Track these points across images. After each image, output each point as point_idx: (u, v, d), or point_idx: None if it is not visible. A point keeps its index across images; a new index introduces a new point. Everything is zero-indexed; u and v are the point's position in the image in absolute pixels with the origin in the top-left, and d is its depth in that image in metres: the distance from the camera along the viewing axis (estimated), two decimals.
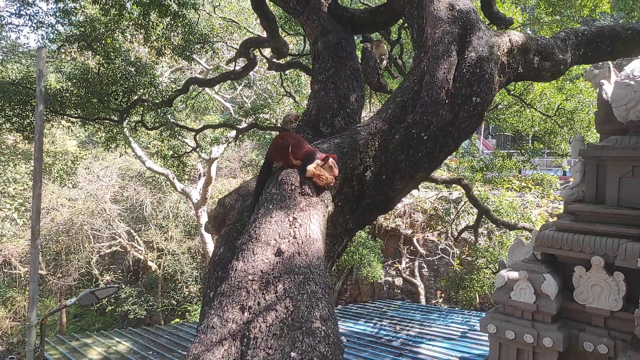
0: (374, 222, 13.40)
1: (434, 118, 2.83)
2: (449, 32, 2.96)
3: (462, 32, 2.99)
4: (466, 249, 12.35)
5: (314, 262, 1.97)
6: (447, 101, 2.87)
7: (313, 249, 2.06)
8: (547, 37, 3.77)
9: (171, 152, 9.39)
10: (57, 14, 6.12)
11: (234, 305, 1.76)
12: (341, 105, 3.42)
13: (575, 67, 7.75)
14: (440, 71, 2.91)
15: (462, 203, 11.72)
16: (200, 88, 9.88)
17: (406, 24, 5.30)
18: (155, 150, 13.58)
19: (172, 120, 8.29)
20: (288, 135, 2.63)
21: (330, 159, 2.41)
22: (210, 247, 13.22)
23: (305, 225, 2.14)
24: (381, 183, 2.87)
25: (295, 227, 2.12)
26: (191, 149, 9.73)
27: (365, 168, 2.89)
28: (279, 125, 9.24)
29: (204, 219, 12.87)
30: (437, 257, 13.20)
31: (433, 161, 2.93)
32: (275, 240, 2.04)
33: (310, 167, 2.37)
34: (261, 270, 1.90)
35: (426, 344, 6.06)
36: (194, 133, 8.68)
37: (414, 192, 13.61)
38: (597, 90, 3.61)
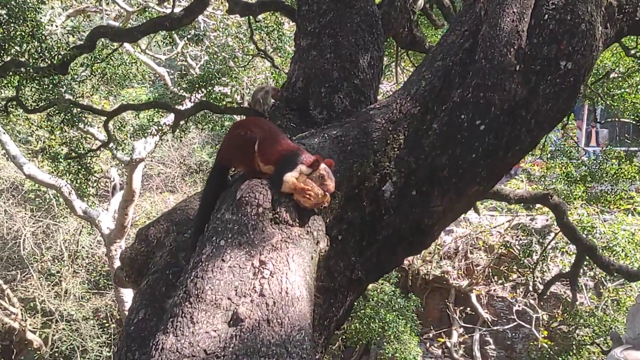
0: (403, 267, 13.39)
1: (497, 95, 2.85)
2: None
3: None
4: (558, 311, 12.34)
5: (294, 337, 1.98)
6: (518, 67, 2.89)
7: (293, 314, 2.05)
8: None
9: (66, 150, 9.37)
10: None
11: None
12: (345, 73, 3.43)
13: None
14: (506, 18, 2.93)
15: (552, 236, 11.72)
16: (115, 43, 9.89)
17: None
18: (40, 147, 13.55)
19: (67, 96, 8.29)
20: (254, 124, 2.66)
21: (323, 165, 2.45)
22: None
23: (280, 273, 2.14)
24: (410, 202, 2.89)
25: (264, 276, 2.12)
26: (100, 144, 9.72)
27: (384, 178, 2.91)
28: (245, 105, 9.24)
29: (117, 262, 12.79)
30: (511, 325, 13.17)
31: (497, 166, 2.96)
32: (229, 299, 2.05)
33: (290, 177, 2.40)
34: (205, 351, 1.90)
35: None
36: (104, 118, 8.67)
37: (471, 217, 13.66)
38: None
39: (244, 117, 8.28)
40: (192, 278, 2.13)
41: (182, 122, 8.95)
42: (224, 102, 9.29)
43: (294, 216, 2.38)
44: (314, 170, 2.43)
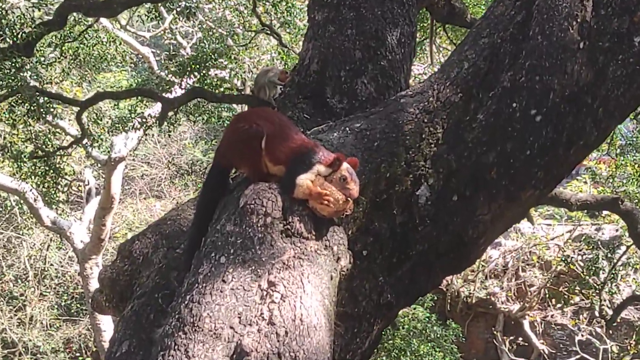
0: (440, 288, 13.32)
1: (556, 78, 2.84)
2: None
3: None
4: (631, 342, 12.20)
5: None
6: (581, 45, 2.87)
7: (309, 346, 2.06)
8: None
9: (31, 148, 9.40)
10: None
11: None
12: (369, 52, 3.45)
13: None
14: None
15: (623, 249, 11.59)
16: (89, 19, 9.94)
17: None
18: None
19: (32, 83, 8.34)
20: (260, 116, 2.68)
21: (345, 165, 2.47)
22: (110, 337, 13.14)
23: (293, 297, 2.15)
24: (450, 210, 2.89)
25: (273, 300, 2.13)
26: (72, 140, 9.77)
27: (418, 180, 2.91)
28: (247, 92, 9.24)
29: (95, 282, 12.86)
30: (573, 358, 13.02)
31: (556, 165, 2.95)
32: (231, 328, 2.05)
33: (305, 180, 2.42)
34: None
35: None
36: (77, 109, 8.72)
37: (523, 227, 13.59)
38: None
39: (247, 108, 8.27)
40: (186, 303, 2.13)
41: (170, 113, 8.97)
42: (222, 89, 9.31)
43: (310, 227, 2.38)
44: (334, 171, 2.43)
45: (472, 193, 2.90)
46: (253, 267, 2.21)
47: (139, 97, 10.54)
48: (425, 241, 2.89)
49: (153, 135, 16.40)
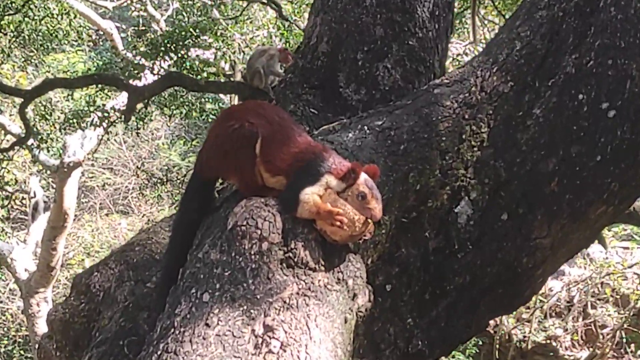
0: (488, 331, 13.28)
1: (634, 63, 2.83)
2: None
3: None
4: None
5: None
6: None
7: None
8: None
9: None
10: None
11: None
12: (394, 28, 3.44)
13: None
14: None
15: None
16: None
17: None
18: None
19: None
20: (254, 111, 2.67)
21: (363, 176, 2.48)
22: None
23: (297, 345, 2.13)
24: (498, 232, 2.88)
25: (271, 350, 2.11)
26: (14, 141, 9.80)
27: (457, 194, 2.91)
28: (238, 78, 9.26)
29: (43, 323, 12.82)
30: None
31: (634, 173, 2.93)
32: None
33: (311, 195, 2.43)
34: None
35: None
36: (21, 100, 8.77)
37: (593, 251, 13.49)
38: None
39: (237, 100, 8.29)
40: (159, 353, 2.13)
41: (140, 106, 9.01)
42: (205, 75, 9.33)
43: (318, 255, 2.38)
44: (349, 184, 2.43)
45: (526, 210, 2.89)
46: (245, 307, 2.20)
47: (100, 86, 10.60)
48: (467, 272, 2.89)
49: (117, 134, 16.43)
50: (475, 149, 2.94)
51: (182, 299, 2.28)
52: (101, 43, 15.95)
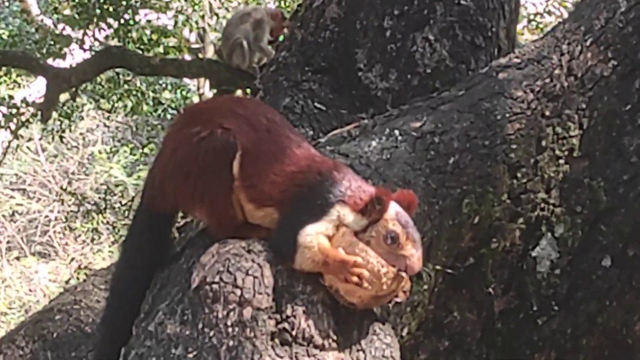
0: None
1: None
2: None
3: None
4: None
5: None
6: None
7: None
8: None
9: None
10: None
11: None
12: None
13: None
14: None
15: None
16: None
17: None
18: None
19: None
20: (231, 109, 2.66)
21: (394, 206, 2.43)
22: None
23: None
24: (598, 285, 2.82)
25: None
26: None
27: (535, 227, 2.85)
28: (209, 55, 9.39)
29: None
30: None
31: None
32: None
33: (315, 237, 2.39)
34: None
35: None
36: None
37: None
38: None
39: (210, 87, 8.41)
40: None
41: (64, 97, 9.12)
42: (159, 50, 9.45)
43: (327, 326, 2.34)
44: (373, 219, 2.39)
45: (639, 253, 2.81)
46: None
47: (6, 68, 10.76)
48: (552, 346, 2.83)
49: (32, 138, 16.55)
50: (562, 161, 2.91)
51: None
52: (6, 4, 16.07)
